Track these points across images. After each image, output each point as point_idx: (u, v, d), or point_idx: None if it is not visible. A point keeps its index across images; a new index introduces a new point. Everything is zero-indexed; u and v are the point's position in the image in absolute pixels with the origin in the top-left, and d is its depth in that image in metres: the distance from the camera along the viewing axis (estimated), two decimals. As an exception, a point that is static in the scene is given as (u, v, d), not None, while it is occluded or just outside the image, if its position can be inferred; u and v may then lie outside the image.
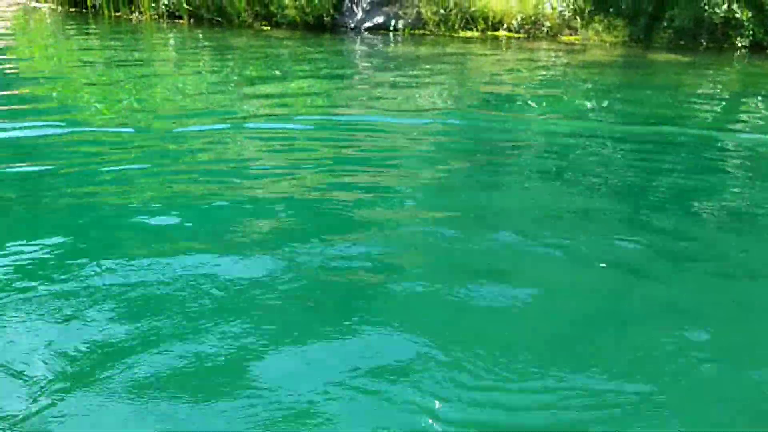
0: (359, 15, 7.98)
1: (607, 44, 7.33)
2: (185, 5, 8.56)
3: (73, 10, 9.75)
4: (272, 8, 8.12)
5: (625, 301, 1.97)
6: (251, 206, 2.60)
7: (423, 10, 7.82)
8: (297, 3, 7.89)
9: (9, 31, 8.12)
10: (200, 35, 7.77)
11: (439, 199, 2.79)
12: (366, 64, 6.14)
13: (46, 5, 10.44)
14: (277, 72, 5.60)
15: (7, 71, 5.31)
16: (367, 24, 7.93)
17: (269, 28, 8.22)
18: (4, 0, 11.94)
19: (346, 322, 1.78)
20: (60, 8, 9.97)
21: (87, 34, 7.90)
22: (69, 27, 8.47)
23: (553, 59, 6.67)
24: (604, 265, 2.15)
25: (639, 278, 2.09)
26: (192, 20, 8.64)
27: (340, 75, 5.60)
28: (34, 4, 10.75)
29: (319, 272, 2.04)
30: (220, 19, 8.48)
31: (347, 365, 1.58)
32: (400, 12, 7.92)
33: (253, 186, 2.85)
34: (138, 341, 1.65)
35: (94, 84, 5.00)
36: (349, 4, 8.11)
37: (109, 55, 6.21)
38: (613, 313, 1.90)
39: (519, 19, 7.69)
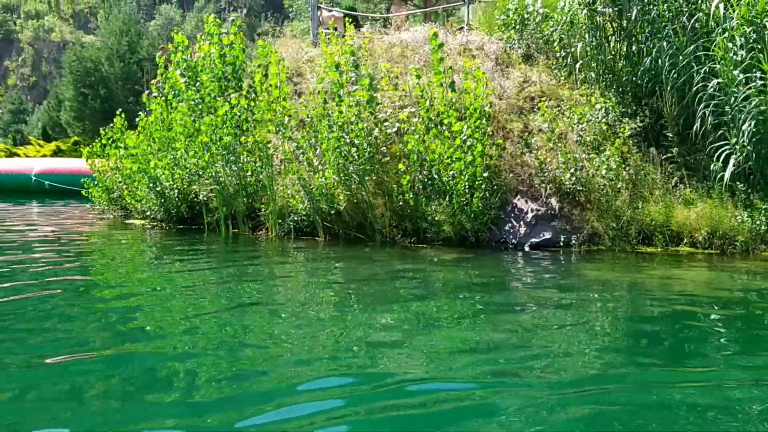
0: (522, 230, 7.26)
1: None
2: (318, 218, 7.87)
3: (182, 226, 9.09)
4: (423, 224, 7.42)
5: None
6: None
7: (596, 225, 7.13)
8: (454, 219, 7.20)
9: (99, 257, 7.08)
10: (335, 257, 6.82)
11: None
12: (531, 294, 4.94)
13: (143, 221, 9.81)
14: (425, 310, 4.34)
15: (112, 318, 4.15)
16: (533, 240, 7.17)
17: (424, 246, 7.43)
18: (80, 213, 11.38)
19: None
20: (164, 225, 9.31)
21: (199, 259, 6.89)
22: (174, 250, 7.64)
23: (754, 283, 5.72)
24: None
25: None
26: (327, 237, 7.90)
27: (502, 308, 4.46)
28: (129, 220, 10.14)
29: None
30: (360, 235, 7.75)
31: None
32: (568, 227, 7.22)
33: None
34: None
35: (214, 336, 3.83)
36: (509, 219, 7.43)
37: (231, 293, 4.91)
38: None
39: (704, 233, 6.99)
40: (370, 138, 7.72)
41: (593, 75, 8.68)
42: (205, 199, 8.61)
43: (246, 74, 10.42)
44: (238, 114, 8.80)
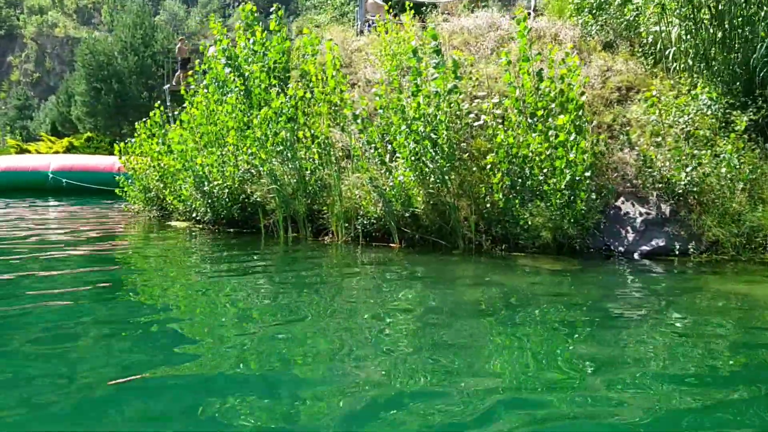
0: (631, 236, 6.43)
1: None
2: (392, 222, 7.04)
3: (232, 230, 8.26)
4: (517, 229, 6.58)
5: None
6: None
7: (716, 231, 6.30)
8: (554, 224, 6.36)
9: (143, 264, 6.21)
10: (415, 267, 5.98)
11: None
12: (667, 321, 4.00)
13: (186, 223, 8.99)
14: (540, 344, 3.44)
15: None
16: (644, 248, 6.34)
17: (518, 254, 6.60)
18: (113, 213, 10.58)
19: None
20: (211, 227, 8.49)
21: (256, 267, 6.06)
22: (227, 257, 6.81)
23: None
24: None
25: None
26: (403, 243, 7.08)
27: (640, 338, 3.56)
28: (169, 221, 9.32)
29: None
30: (441, 241, 6.92)
31: None
32: (683, 233, 6.39)
33: None
34: None
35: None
36: (613, 223, 6.60)
37: (293, 311, 4.12)
38: None
39: (842, 239, 6.16)
40: (449, 132, 6.88)
41: (690, 63, 7.85)
42: (260, 199, 7.78)
43: (292, 65, 9.61)
44: (295, 106, 7.98)
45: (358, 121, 7.20)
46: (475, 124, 6.92)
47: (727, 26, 7.73)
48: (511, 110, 6.94)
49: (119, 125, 32.03)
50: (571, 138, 6.37)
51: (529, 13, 10.08)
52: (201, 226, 8.64)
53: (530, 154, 6.58)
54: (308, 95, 8.21)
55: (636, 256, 6.35)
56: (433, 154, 6.81)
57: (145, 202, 9.76)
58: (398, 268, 5.97)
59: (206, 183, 8.15)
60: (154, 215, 9.76)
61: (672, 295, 4.81)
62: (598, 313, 4.18)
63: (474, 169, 6.94)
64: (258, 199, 7.80)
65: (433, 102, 6.87)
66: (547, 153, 6.53)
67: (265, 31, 9.37)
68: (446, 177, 6.79)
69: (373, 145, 7.18)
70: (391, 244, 7.08)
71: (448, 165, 6.79)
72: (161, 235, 8.35)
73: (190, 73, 10.17)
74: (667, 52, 8.13)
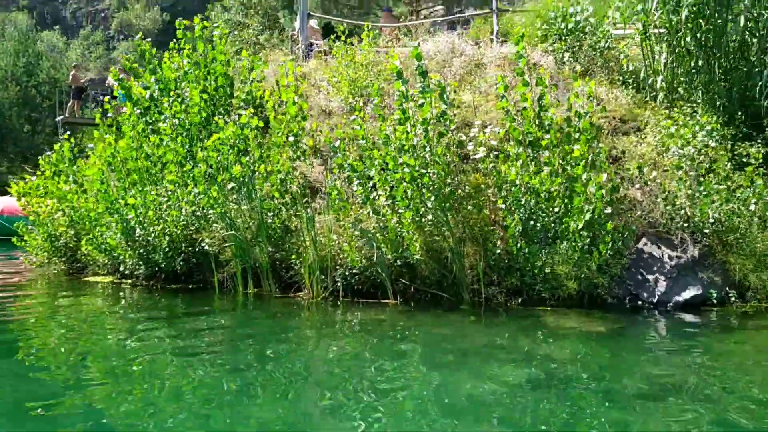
0: (662, 284, 5.64)
1: None
2: (384, 274, 5.88)
3: (174, 286, 6.74)
4: (533, 279, 5.62)
5: None
6: None
7: (753, 278, 5.62)
8: (578, 271, 5.45)
9: (52, 333, 4.80)
10: (416, 333, 4.93)
11: None
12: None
13: (108, 278, 7.36)
14: None
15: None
16: (679, 298, 5.56)
17: (539, 309, 5.61)
18: (8, 267, 8.70)
19: None
20: (144, 283, 6.92)
21: (204, 338, 4.82)
22: (166, 321, 5.44)
23: None
24: None
25: None
26: (399, 298, 5.92)
27: None
28: (87, 276, 7.61)
29: None
30: (443, 294, 5.83)
31: None
32: (718, 278, 5.67)
33: None
34: None
35: None
36: (638, 269, 5.79)
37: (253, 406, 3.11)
38: None
39: None
40: (441, 166, 5.86)
41: (681, 92, 7.36)
42: (210, 248, 6.37)
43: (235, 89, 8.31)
44: (247, 137, 6.71)
45: (339, 154, 6.05)
46: (476, 156, 5.96)
47: (710, 54, 7.33)
48: (506, 142, 6.09)
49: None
50: (587, 171, 5.57)
51: (491, 39, 9.39)
52: (131, 281, 7.06)
53: (542, 191, 5.71)
54: (261, 124, 6.96)
55: (669, 307, 5.55)
56: (428, 193, 5.76)
57: (51, 253, 8.00)
58: (392, 337, 4.76)
59: (139, 229, 6.63)
60: (62, 269, 8.01)
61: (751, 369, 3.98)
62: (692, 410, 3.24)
63: (470, 207, 5.96)
64: (207, 248, 6.39)
65: (421, 131, 5.85)
66: (560, 190, 5.70)
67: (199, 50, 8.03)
68: (447, 218, 5.75)
69: (357, 182, 6.03)
70: (384, 300, 5.90)
71: (447, 205, 5.76)
72: (75, 294, 6.72)
73: (106, 99, 8.60)
74: (651, 81, 7.62)
